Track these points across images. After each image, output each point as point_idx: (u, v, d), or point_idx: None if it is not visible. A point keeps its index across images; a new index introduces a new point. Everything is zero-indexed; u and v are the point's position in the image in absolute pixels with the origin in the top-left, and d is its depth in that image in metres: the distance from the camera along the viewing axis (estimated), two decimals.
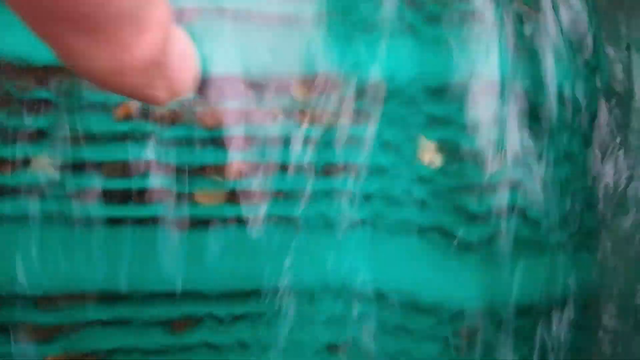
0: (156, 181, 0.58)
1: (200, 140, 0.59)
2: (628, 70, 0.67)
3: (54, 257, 0.57)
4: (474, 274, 0.62)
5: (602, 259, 0.65)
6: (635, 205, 0.65)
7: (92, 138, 0.58)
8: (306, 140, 0.60)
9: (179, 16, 0.56)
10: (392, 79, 0.62)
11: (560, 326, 0.63)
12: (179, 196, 0.58)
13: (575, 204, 0.64)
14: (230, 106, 0.60)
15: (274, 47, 0.60)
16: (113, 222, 0.57)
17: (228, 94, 0.59)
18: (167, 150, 0.58)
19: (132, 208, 0.58)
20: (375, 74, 0.62)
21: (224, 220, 0.59)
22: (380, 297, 0.61)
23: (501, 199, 0.64)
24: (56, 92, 0.58)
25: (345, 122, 0.61)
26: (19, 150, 0.57)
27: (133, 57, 0.15)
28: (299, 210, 0.60)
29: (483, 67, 0.63)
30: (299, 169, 0.60)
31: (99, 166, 0.58)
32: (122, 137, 0.58)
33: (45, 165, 0.57)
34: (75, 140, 0.58)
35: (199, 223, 0.58)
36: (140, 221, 0.58)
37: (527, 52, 0.64)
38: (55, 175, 0.57)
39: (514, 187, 0.63)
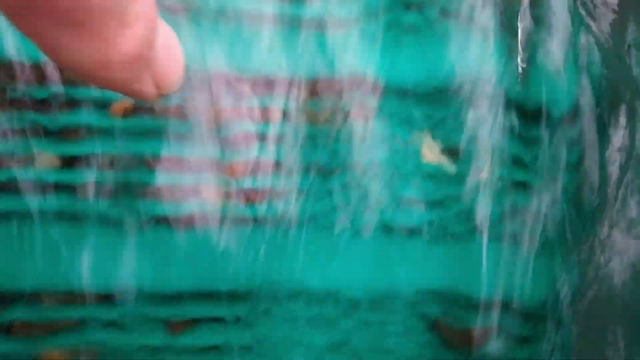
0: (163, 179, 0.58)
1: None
2: None
3: (57, 254, 0.57)
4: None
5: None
6: None
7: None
8: (299, 140, 0.60)
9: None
10: (393, 78, 0.62)
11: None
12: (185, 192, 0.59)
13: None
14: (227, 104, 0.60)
15: (271, 47, 0.60)
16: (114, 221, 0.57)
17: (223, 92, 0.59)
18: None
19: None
20: (375, 72, 0.61)
21: (223, 220, 0.59)
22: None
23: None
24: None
25: (340, 122, 0.61)
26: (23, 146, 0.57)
27: (118, 51, 0.15)
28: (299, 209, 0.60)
29: (483, 68, 0.63)
30: (291, 168, 0.60)
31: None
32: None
33: (50, 161, 0.57)
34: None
35: (199, 223, 0.58)
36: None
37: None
38: (61, 170, 0.57)
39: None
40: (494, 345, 0.62)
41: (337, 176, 0.60)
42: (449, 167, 0.62)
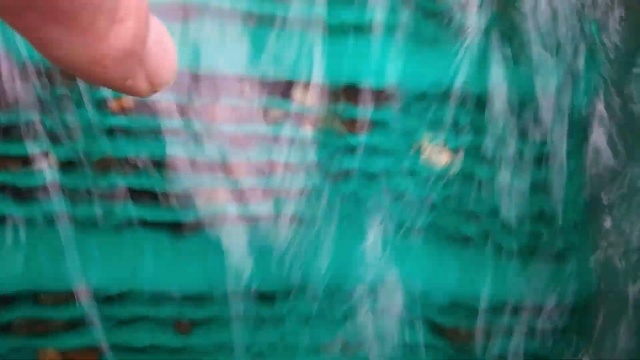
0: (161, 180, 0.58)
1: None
2: None
3: (59, 255, 0.57)
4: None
5: None
6: None
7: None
8: (303, 143, 0.60)
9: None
10: (397, 83, 0.62)
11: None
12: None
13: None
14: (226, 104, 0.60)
15: (277, 50, 0.60)
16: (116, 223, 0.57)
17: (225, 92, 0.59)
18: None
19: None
20: (378, 78, 0.61)
21: (224, 219, 0.59)
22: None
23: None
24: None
25: (344, 127, 0.61)
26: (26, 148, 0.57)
27: (110, 46, 0.15)
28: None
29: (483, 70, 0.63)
30: (297, 169, 0.60)
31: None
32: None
33: (52, 163, 0.57)
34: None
35: (199, 223, 0.58)
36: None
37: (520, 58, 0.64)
38: (65, 174, 0.57)
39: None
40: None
41: (345, 181, 0.60)
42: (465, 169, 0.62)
